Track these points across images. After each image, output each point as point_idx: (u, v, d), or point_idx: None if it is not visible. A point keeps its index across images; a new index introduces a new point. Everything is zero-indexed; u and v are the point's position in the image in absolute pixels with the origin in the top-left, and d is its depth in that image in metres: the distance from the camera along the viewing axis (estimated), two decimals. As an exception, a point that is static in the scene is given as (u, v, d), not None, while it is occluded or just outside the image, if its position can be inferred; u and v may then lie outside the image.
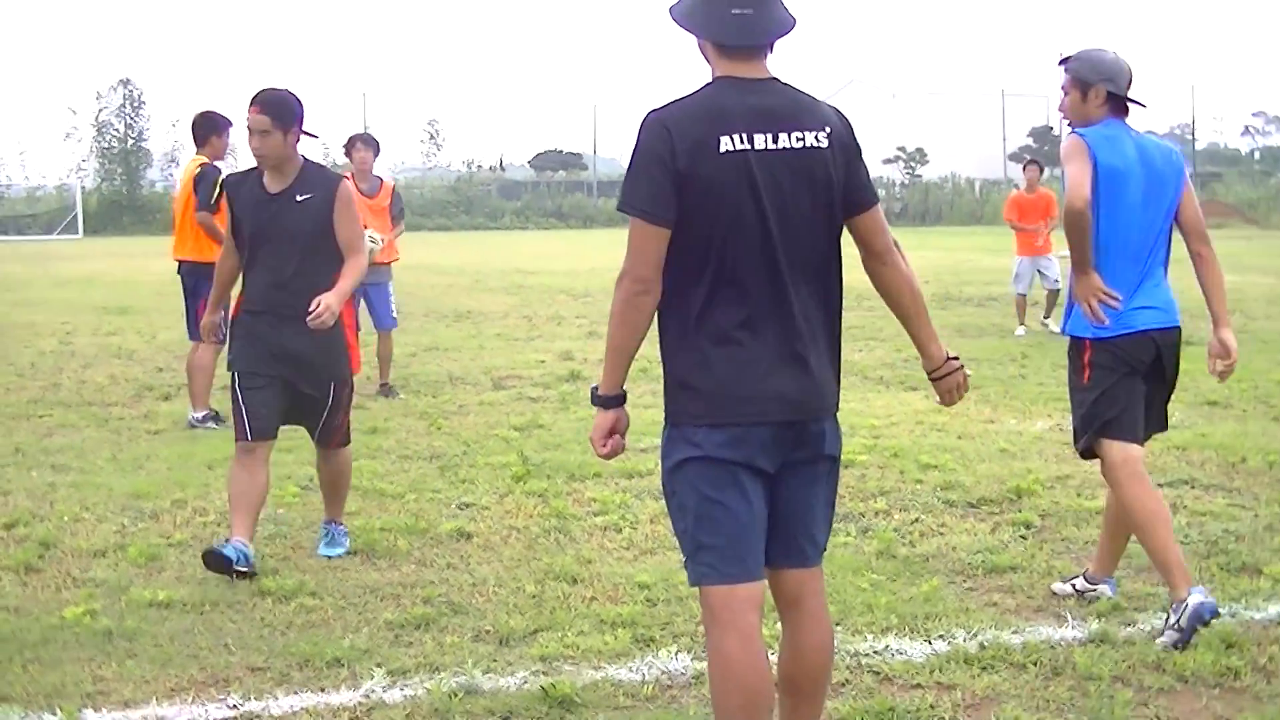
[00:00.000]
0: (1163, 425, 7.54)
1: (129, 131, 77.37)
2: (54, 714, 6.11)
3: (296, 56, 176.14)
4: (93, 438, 12.61)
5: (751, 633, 4.81)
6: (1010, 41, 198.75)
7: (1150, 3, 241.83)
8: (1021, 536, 8.90)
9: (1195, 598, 6.81)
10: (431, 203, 74.60)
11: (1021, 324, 20.53)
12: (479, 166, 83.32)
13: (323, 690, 6.41)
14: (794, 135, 4.74)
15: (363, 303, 14.72)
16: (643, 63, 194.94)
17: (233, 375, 8.44)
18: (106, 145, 77.11)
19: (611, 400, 5.02)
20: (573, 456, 11.33)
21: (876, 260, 5.01)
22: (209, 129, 13.77)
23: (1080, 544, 8.69)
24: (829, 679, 5.27)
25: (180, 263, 14.09)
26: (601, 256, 38.85)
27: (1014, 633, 7.07)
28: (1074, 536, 8.87)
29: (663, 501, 9.50)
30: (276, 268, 8.27)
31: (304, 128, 8.37)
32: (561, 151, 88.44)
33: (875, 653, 6.75)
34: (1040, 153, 79.22)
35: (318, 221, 8.28)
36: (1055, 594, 7.64)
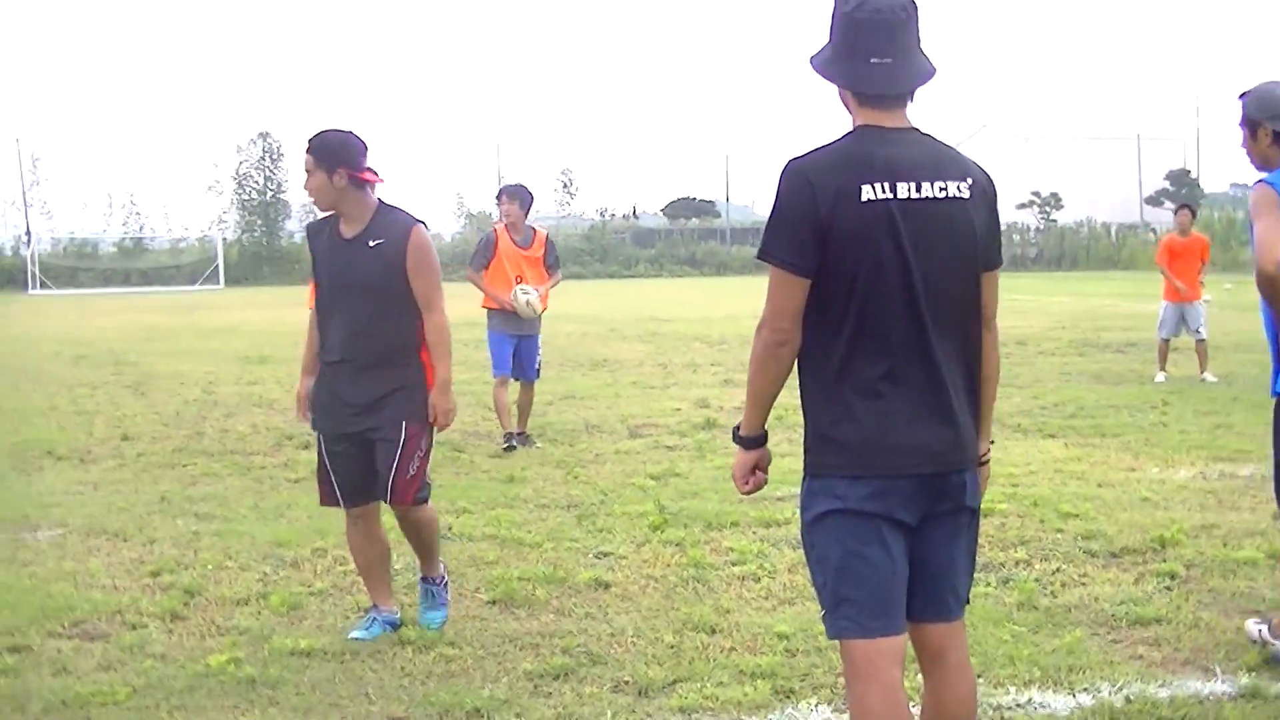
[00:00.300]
0: None
1: (268, 184, 78.59)
2: (199, 762, 6.17)
3: (431, 107, 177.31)
4: (235, 486, 12.75)
5: (894, 686, 4.75)
6: (1146, 84, 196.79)
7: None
8: (1166, 587, 8.73)
9: None
10: (565, 251, 74.47)
11: (1162, 370, 20.21)
12: (612, 215, 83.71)
13: (462, 740, 6.42)
14: (936, 185, 4.68)
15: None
16: (775, 111, 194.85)
17: (318, 439, 8.27)
18: (246, 197, 78.41)
19: (753, 441, 5.01)
20: (710, 505, 11.31)
21: (983, 325, 4.96)
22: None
23: (1228, 595, 8.53)
24: None
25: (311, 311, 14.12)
26: (736, 304, 38.86)
27: (1160, 686, 6.95)
28: (1221, 588, 8.69)
29: (801, 551, 9.52)
30: (353, 316, 7.97)
31: (356, 169, 7.89)
32: (694, 199, 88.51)
33: (1018, 705, 6.65)
34: (1177, 196, 78.54)
35: (390, 268, 7.90)
36: (1245, 631, 7.48)
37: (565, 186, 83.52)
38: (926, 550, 4.83)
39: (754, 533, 10.32)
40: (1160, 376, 20.05)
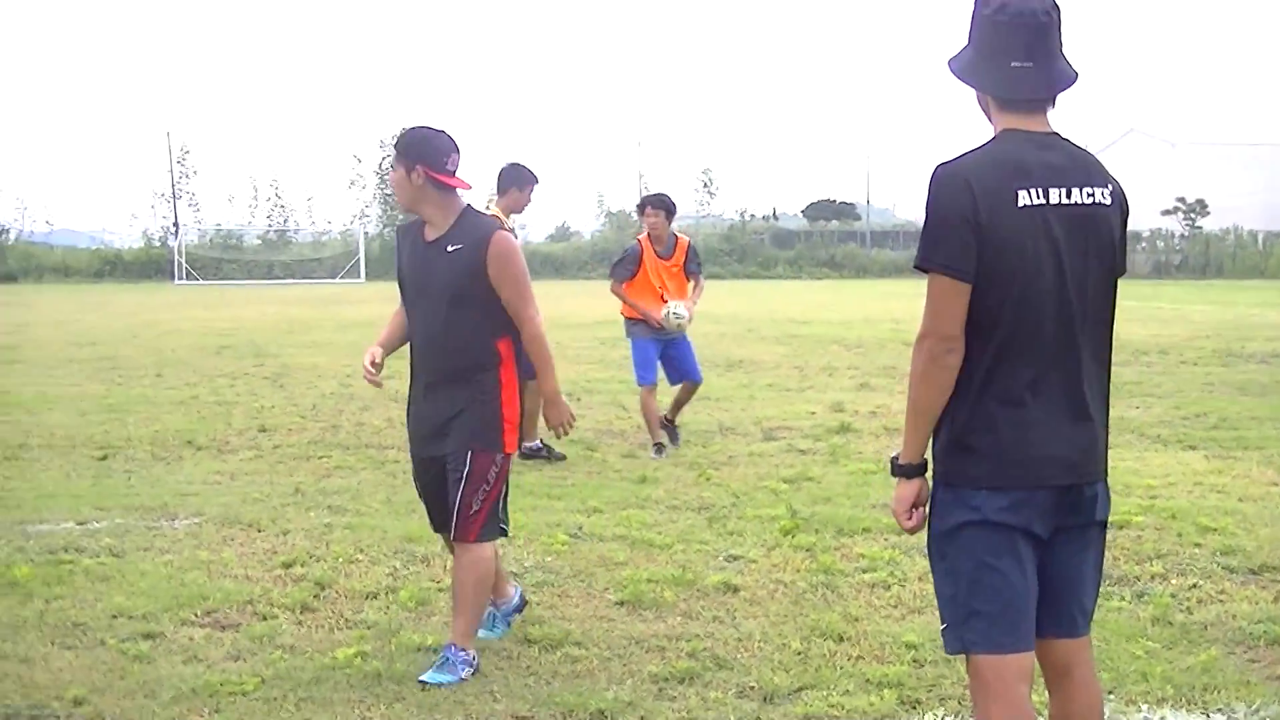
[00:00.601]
0: None
1: (413, 179, 79.07)
2: (321, 756, 6.20)
3: (574, 106, 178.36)
4: (369, 480, 12.85)
5: (1022, 705, 4.67)
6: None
7: None
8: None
9: None
10: (704, 251, 74.17)
11: None
12: (752, 215, 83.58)
13: (586, 742, 6.41)
14: (1084, 191, 4.62)
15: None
16: (918, 113, 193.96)
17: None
18: (389, 192, 78.88)
19: (914, 469, 4.84)
20: (842, 510, 11.24)
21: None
22: (510, 180, 13.85)
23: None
24: None
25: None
26: (875, 307, 38.73)
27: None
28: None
29: (933, 559, 9.43)
30: (427, 324, 7.61)
31: (435, 169, 7.43)
32: (835, 201, 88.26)
33: (1149, 723, 6.57)
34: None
35: (466, 273, 7.44)
36: None
37: (705, 186, 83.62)
38: (1055, 564, 4.74)
39: (885, 539, 10.24)
40: None
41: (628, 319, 14.94)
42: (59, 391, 19.99)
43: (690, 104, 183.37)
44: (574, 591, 8.90)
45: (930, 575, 8.93)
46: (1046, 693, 5.01)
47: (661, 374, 14.78)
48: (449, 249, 7.49)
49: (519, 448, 13.91)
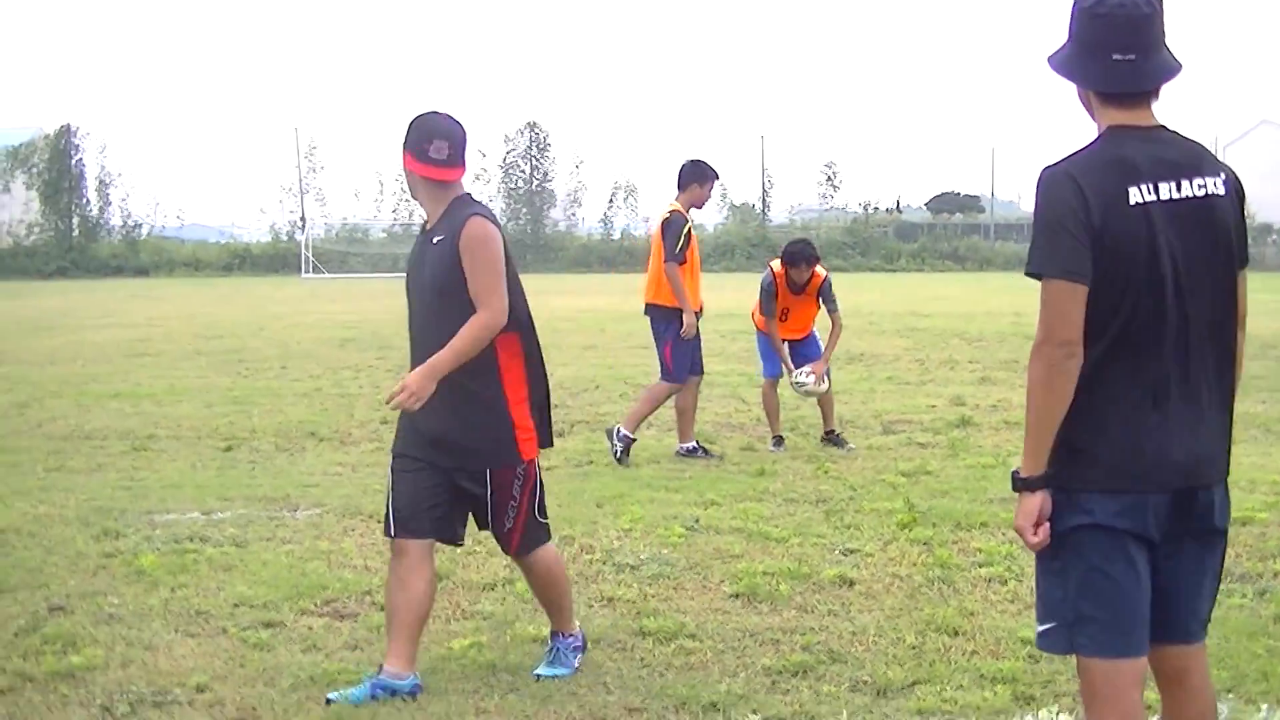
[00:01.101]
0: None
1: (534, 173, 79.62)
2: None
3: (697, 100, 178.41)
4: (489, 472, 12.81)
5: (1134, 711, 4.60)
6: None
7: None
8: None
9: None
10: (828, 244, 74.50)
11: None
12: (875, 208, 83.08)
13: (698, 734, 6.42)
14: (1195, 183, 4.49)
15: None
16: (1043, 105, 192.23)
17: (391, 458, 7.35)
18: (513, 186, 79.57)
19: (1037, 482, 4.61)
20: (960, 505, 11.19)
21: (1239, 325, 4.73)
22: (691, 176, 14.03)
23: None
24: None
25: (646, 305, 14.28)
26: (997, 300, 38.41)
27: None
28: None
29: (1050, 555, 9.35)
30: (421, 318, 7.17)
31: (415, 156, 6.94)
32: (959, 194, 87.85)
33: (1260, 722, 6.48)
34: None
35: (447, 265, 6.93)
36: None
37: (829, 179, 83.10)
38: (1171, 570, 4.61)
39: (1003, 534, 10.17)
40: None
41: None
42: (187, 384, 20.25)
43: (813, 97, 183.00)
44: (689, 584, 8.91)
45: (1044, 573, 8.90)
46: (1159, 692, 4.93)
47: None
48: (435, 240, 7.08)
49: (677, 449, 14.06)
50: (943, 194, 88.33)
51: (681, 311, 13.78)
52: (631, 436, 13.76)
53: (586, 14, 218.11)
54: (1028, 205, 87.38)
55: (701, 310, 14.36)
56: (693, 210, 14.08)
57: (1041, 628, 4.77)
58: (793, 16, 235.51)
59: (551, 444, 7.32)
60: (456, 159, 7.00)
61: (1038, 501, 4.63)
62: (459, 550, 9.52)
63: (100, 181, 76.55)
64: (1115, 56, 4.49)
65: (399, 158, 7.11)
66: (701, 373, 14.47)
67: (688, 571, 9.20)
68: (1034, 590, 8.56)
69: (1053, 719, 6.57)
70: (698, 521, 10.56)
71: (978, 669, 7.25)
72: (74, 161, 75.11)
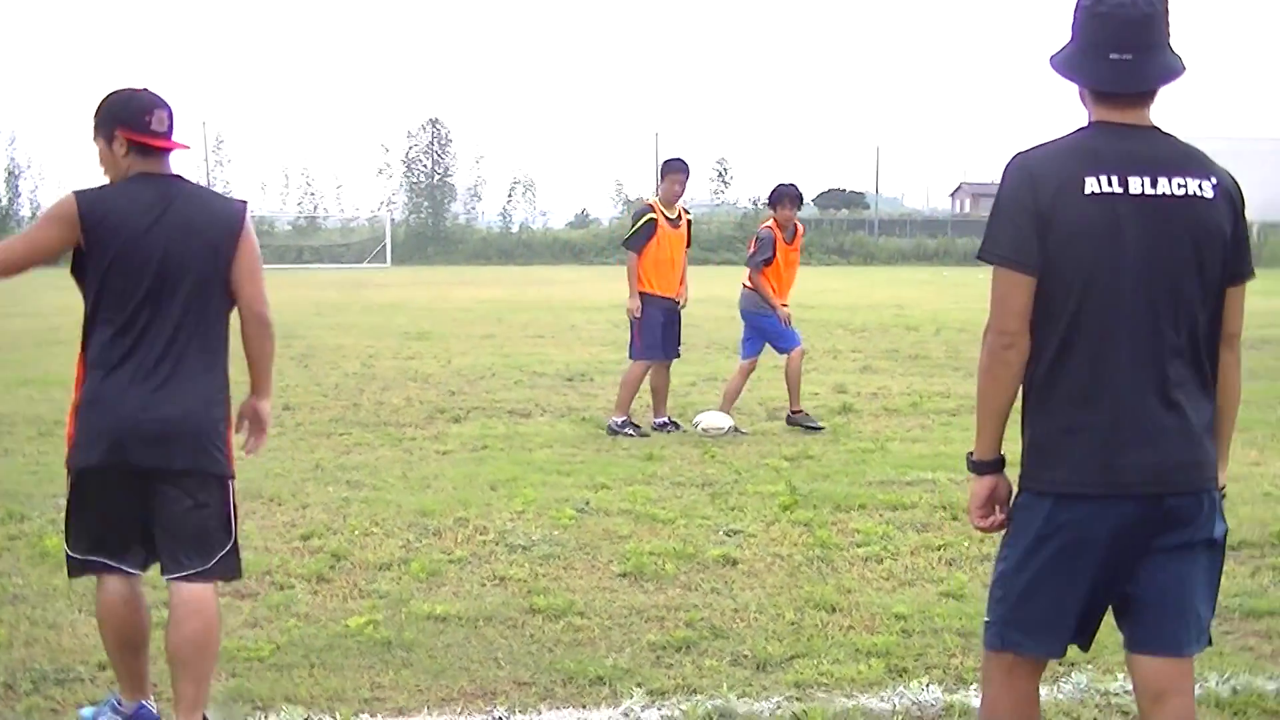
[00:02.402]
0: None
1: (435, 168, 79.51)
2: (334, 717, 6.22)
3: (593, 98, 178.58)
4: (386, 457, 12.85)
5: (1026, 703, 4.61)
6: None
7: None
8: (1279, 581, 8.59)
9: None
10: (719, 238, 74.68)
11: None
12: (765, 203, 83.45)
13: (584, 707, 6.44)
14: (1175, 181, 4.28)
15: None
16: (926, 104, 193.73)
17: None
18: (415, 180, 79.45)
19: (988, 465, 4.57)
20: (839, 487, 11.26)
21: (1224, 343, 4.49)
22: (663, 170, 14.77)
23: (1341, 590, 8.37)
24: None
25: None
26: (880, 293, 38.71)
27: (1269, 679, 6.79)
28: (1334, 583, 8.53)
29: (924, 534, 9.47)
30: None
31: (138, 130, 5.84)
32: (844, 190, 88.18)
33: (1125, 692, 6.52)
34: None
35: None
36: None
37: (720, 175, 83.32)
38: (1151, 579, 4.40)
39: (881, 515, 10.26)
40: None
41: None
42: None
43: (705, 96, 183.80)
44: (579, 564, 8.92)
45: (922, 550, 9.02)
46: (1137, 708, 4.73)
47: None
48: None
49: (653, 423, 14.44)
50: (829, 190, 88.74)
51: (651, 295, 14.35)
52: (626, 418, 14.31)
53: (488, 14, 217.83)
54: (910, 202, 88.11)
55: (683, 300, 14.77)
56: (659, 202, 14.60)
57: (985, 620, 4.66)
58: (687, 17, 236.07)
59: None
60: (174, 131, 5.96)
61: (987, 485, 4.60)
62: (357, 531, 9.57)
63: (9, 173, 75.64)
64: (1113, 56, 4.31)
65: (98, 143, 5.95)
66: (676, 356, 14.95)
67: (577, 552, 9.20)
68: (908, 568, 8.71)
69: (924, 690, 6.61)
70: (588, 504, 10.58)
71: (853, 643, 7.30)
72: (-13, 157, 74.15)
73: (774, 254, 15.03)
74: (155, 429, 5.68)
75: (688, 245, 14.97)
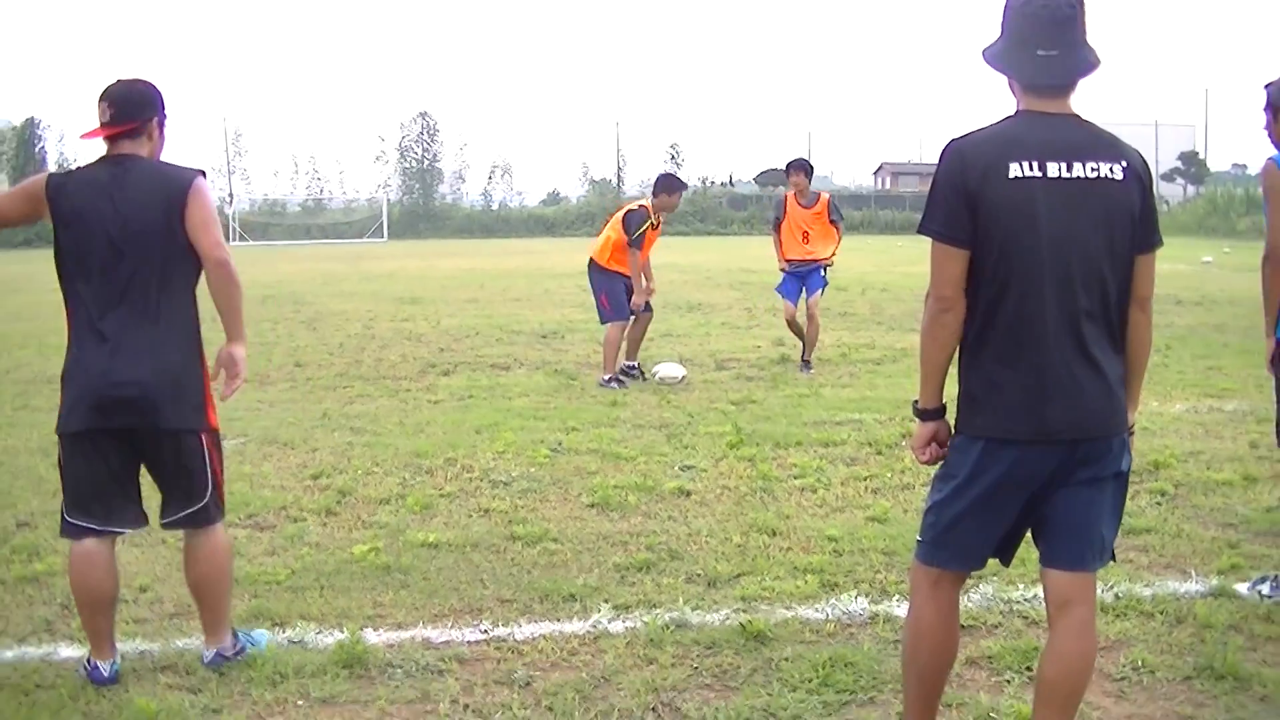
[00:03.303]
0: None
1: (425, 154, 79.32)
2: (341, 632, 6.19)
3: (562, 89, 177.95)
4: (385, 406, 12.80)
5: (947, 608, 4.63)
6: (1160, 75, 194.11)
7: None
8: (1157, 503, 8.62)
9: None
10: (673, 213, 74.64)
11: None
12: (713, 182, 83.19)
13: (558, 620, 6.43)
14: (1089, 165, 4.26)
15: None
16: (852, 93, 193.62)
17: None
18: (407, 165, 79.24)
19: (930, 413, 4.57)
20: (779, 427, 11.26)
21: (1136, 305, 4.46)
22: (662, 186, 14.96)
23: (1207, 510, 8.43)
24: (1084, 690, 4.63)
25: (591, 261, 14.75)
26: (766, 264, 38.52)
27: (1145, 586, 6.86)
28: (1202, 504, 8.58)
29: (853, 467, 9.49)
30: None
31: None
32: (781, 169, 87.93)
33: (1025, 600, 6.58)
34: (1188, 175, 76.95)
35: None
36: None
37: (673, 157, 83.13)
38: (1067, 508, 4.41)
39: (815, 451, 10.27)
40: None
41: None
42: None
43: (659, 87, 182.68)
44: (553, 496, 8.90)
45: (852, 481, 9.04)
46: (1048, 624, 4.67)
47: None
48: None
49: (623, 364, 14.48)
50: (768, 170, 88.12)
51: (617, 273, 14.49)
52: (615, 375, 14.23)
53: (473, 17, 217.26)
54: (838, 179, 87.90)
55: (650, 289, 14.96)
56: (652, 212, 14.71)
57: (918, 539, 4.67)
58: (644, 16, 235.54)
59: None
60: (119, 118, 5.67)
61: (929, 429, 4.59)
62: (360, 471, 9.55)
63: (59, 165, 75.03)
64: (1040, 52, 4.30)
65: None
66: (650, 311, 15.02)
67: (552, 486, 9.19)
68: (839, 497, 8.72)
69: (853, 601, 6.63)
70: (560, 444, 10.56)
71: (792, 562, 7.32)
72: (38, 149, 73.53)
73: (783, 215, 16.01)
74: (126, 391, 5.52)
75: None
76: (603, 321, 14.63)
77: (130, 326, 5.57)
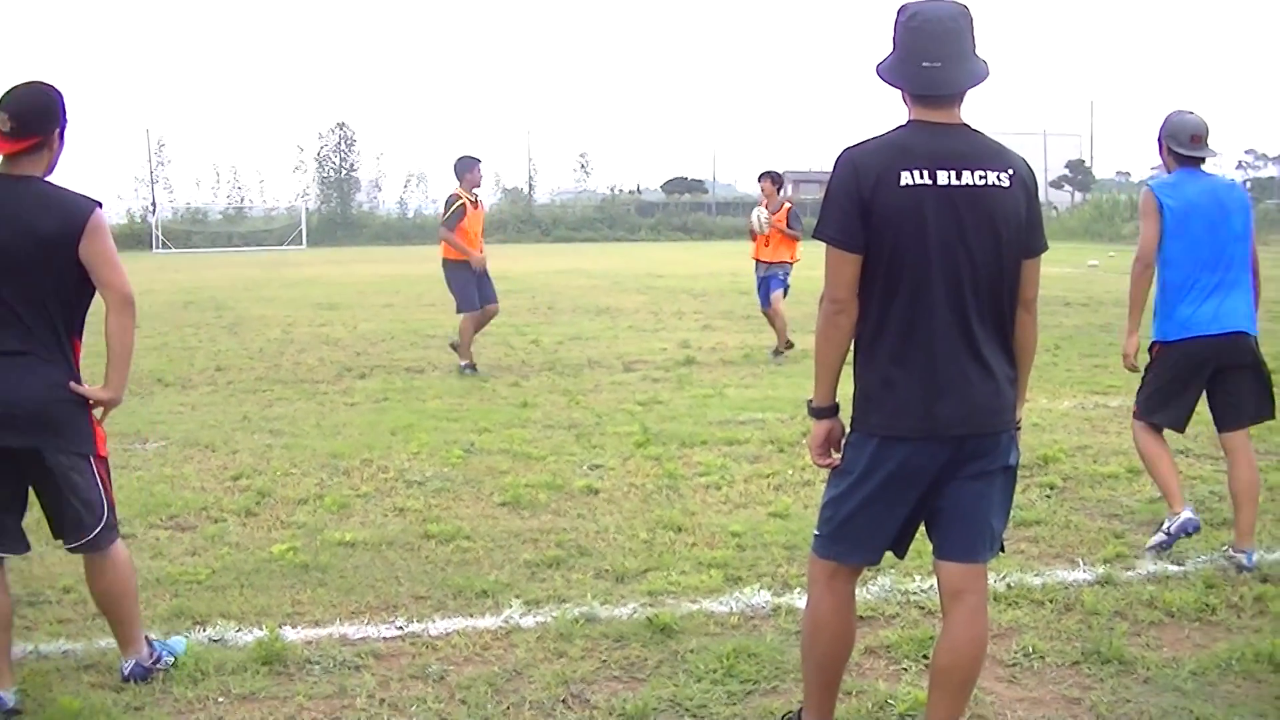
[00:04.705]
0: (1253, 412, 7.31)
1: (343, 164, 78.73)
2: (261, 629, 6.11)
3: (472, 99, 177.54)
4: (303, 409, 12.67)
5: (842, 600, 4.64)
6: (1048, 85, 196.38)
7: (1164, 51, 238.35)
8: (1046, 496, 8.71)
9: (1185, 514, 7.20)
10: (581, 220, 74.56)
11: None
12: (621, 190, 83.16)
13: (471, 616, 6.38)
14: (977, 173, 4.28)
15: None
16: (755, 107, 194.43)
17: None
18: (325, 175, 78.56)
19: (824, 411, 4.56)
20: (685, 427, 11.24)
21: (1022, 306, 4.49)
22: (456, 170, 15.65)
23: (1094, 502, 8.53)
24: (976, 676, 4.65)
25: (442, 260, 15.67)
26: (718, 264, 38.70)
27: (1035, 575, 6.92)
28: (1089, 496, 8.67)
29: (756, 464, 9.49)
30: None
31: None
32: (687, 178, 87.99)
33: (921, 591, 6.60)
34: (1075, 182, 77.85)
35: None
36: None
37: (583, 166, 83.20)
38: (957, 500, 4.42)
39: (719, 450, 10.26)
40: None
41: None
42: (52, 340, 19.56)
43: (569, 97, 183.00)
44: (466, 495, 8.84)
45: (755, 479, 9.04)
46: (941, 614, 4.69)
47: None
48: None
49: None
50: (674, 178, 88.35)
51: (456, 262, 15.42)
52: (471, 362, 15.29)
53: (388, 27, 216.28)
54: (742, 187, 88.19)
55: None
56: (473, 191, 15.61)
57: (815, 533, 4.67)
58: (553, 27, 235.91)
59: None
60: (21, 132, 5.25)
61: (824, 428, 4.57)
62: (279, 472, 9.44)
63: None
64: (924, 64, 4.30)
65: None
66: (495, 302, 15.68)
67: (465, 485, 9.12)
68: (743, 494, 8.72)
69: (756, 594, 6.63)
70: (473, 445, 10.50)
71: (697, 558, 7.30)
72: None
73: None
74: (2, 412, 5.18)
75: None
76: (458, 312, 15.51)
77: (8, 350, 5.24)
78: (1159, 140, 7.31)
